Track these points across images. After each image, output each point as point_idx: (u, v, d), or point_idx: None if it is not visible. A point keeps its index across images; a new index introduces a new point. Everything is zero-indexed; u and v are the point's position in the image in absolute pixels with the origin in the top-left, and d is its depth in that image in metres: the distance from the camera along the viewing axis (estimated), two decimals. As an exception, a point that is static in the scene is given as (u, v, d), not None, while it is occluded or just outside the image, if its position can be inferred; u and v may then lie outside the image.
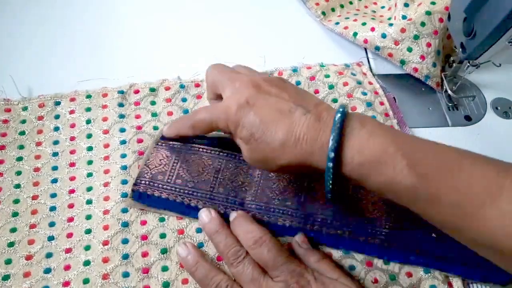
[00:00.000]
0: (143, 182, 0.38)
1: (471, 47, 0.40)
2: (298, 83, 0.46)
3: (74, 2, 0.53)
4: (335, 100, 0.45)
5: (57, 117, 0.41)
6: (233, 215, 0.36)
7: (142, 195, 0.37)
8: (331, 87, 0.45)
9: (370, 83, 0.46)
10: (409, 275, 0.35)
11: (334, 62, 0.49)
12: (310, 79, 0.46)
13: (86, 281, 0.33)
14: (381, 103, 0.45)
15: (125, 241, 0.35)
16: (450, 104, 0.48)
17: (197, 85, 0.45)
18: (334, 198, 0.32)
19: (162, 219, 0.37)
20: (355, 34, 0.49)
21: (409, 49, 0.46)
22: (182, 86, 0.44)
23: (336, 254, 0.36)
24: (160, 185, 0.37)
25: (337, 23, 0.51)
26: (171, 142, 0.40)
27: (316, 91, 0.45)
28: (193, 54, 0.49)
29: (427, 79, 0.47)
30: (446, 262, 0.35)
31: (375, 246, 0.36)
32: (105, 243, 0.35)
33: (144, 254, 0.35)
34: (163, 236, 0.36)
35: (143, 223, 0.36)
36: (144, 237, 0.36)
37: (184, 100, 0.44)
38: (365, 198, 0.38)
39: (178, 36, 0.51)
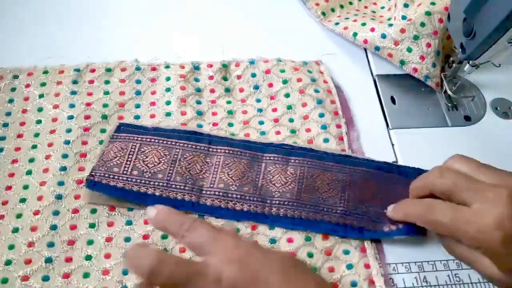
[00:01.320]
0: (98, 174, 0.37)
1: (470, 47, 0.40)
2: (254, 75, 0.47)
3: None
4: (287, 95, 0.46)
5: (13, 89, 0.43)
6: (151, 212, 0.31)
7: (97, 184, 0.37)
8: (284, 82, 0.46)
9: (325, 81, 0.47)
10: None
11: (334, 62, 0.50)
12: (266, 72, 0.47)
13: (45, 278, 0.34)
14: (332, 102, 0.45)
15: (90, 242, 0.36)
16: (450, 105, 0.48)
17: (154, 69, 0.46)
18: None
19: (129, 222, 0.37)
20: (355, 34, 0.49)
21: (409, 50, 0.46)
22: (138, 68, 0.46)
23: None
24: (116, 177, 0.37)
25: (337, 24, 0.51)
26: (126, 135, 0.40)
27: (270, 85, 0.46)
28: (165, 37, 0.50)
29: (426, 80, 0.47)
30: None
31: (331, 224, 0.37)
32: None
33: (107, 256, 0.35)
34: (127, 239, 0.36)
35: (110, 224, 0.37)
36: (109, 239, 0.36)
37: (138, 82, 0.45)
38: (320, 178, 0.39)
39: (146, 19, 0.52)
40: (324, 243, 0.37)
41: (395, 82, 0.49)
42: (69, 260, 0.35)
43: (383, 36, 0.47)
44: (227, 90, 0.46)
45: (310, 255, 0.36)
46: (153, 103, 0.44)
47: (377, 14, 0.53)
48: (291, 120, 0.44)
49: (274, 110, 0.45)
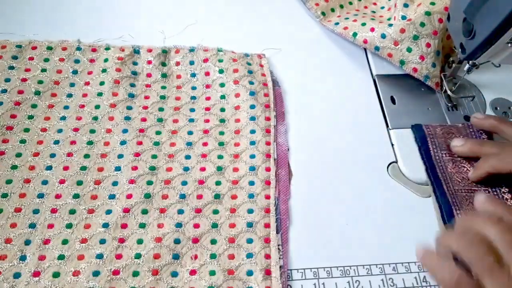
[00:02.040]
0: None
1: (470, 47, 0.40)
2: (192, 62, 0.47)
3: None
4: (222, 85, 0.46)
5: (77, 61, 0.46)
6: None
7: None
8: (221, 71, 0.47)
9: (263, 75, 0.47)
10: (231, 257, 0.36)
11: (334, 62, 0.50)
12: (204, 61, 0.47)
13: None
14: (266, 95, 0.46)
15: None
16: (450, 104, 0.48)
17: (94, 50, 0.47)
18: None
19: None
20: (354, 34, 0.49)
21: (409, 50, 0.47)
22: (79, 49, 0.47)
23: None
24: None
25: (337, 24, 0.51)
26: None
27: (207, 73, 0.47)
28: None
29: (426, 80, 0.47)
30: None
31: None
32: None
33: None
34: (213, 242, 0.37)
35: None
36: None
37: (77, 61, 0.46)
38: None
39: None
40: (230, 231, 0.37)
41: (395, 82, 0.49)
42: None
43: (383, 36, 0.47)
44: (164, 75, 0.46)
45: (214, 242, 0.37)
46: (87, 83, 0.44)
47: (377, 14, 0.53)
48: (222, 110, 0.45)
49: (208, 98, 0.45)
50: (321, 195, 0.41)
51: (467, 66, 0.44)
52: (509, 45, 0.38)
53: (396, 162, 0.43)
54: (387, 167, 0.43)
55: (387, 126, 0.46)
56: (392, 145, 0.44)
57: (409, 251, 0.37)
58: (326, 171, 0.42)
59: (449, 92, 0.47)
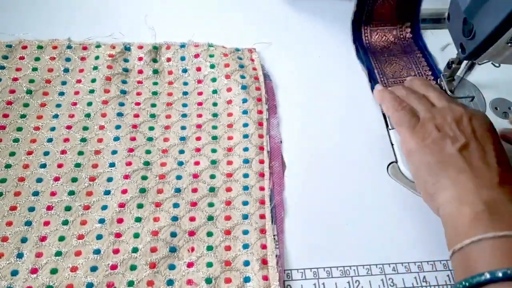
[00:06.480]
0: None
1: (470, 47, 0.41)
2: (183, 58, 0.49)
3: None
4: (214, 80, 0.48)
5: (68, 60, 0.47)
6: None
7: None
8: (212, 66, 0.48)
9: (254, 69, 0.49)
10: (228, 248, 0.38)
11: (329, 56, 0.52)
12: (195, 57, 0.49)
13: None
14: (257, 88, 0.47)
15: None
16: (450, 104, 0.49)
17: (85, 48, 0.48)
18: None
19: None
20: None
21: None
22: (69, 47, 0.48)
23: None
24: None
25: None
26: None
27: (198, 69, 0.48)
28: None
29: None
30: None
31: None
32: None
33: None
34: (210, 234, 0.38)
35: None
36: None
37: (68, 59, 0.47)
38: None
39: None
40: (225, 223, 0.39)
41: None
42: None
43: None
44: (155, 71, 0.48)
45: (210, 234, 0.38)
46: (79, 81, 0.46)
47: None
48: (214, 104, 0.46)
49: (200, 93, 0.47)
50: (317, 188, 0.42)
51: (467, 66, 0.46)
52: (509, 45, 0.39)
53: (396, 162, 0.44)
54: (387, 167, 0.44)
55: (387, 126, 0.47)
56: (392, 145, 0.45)
57: (409, 251, 0.39)
58: (320, 165, 0.44)
59: (449, 92, 0.48)
